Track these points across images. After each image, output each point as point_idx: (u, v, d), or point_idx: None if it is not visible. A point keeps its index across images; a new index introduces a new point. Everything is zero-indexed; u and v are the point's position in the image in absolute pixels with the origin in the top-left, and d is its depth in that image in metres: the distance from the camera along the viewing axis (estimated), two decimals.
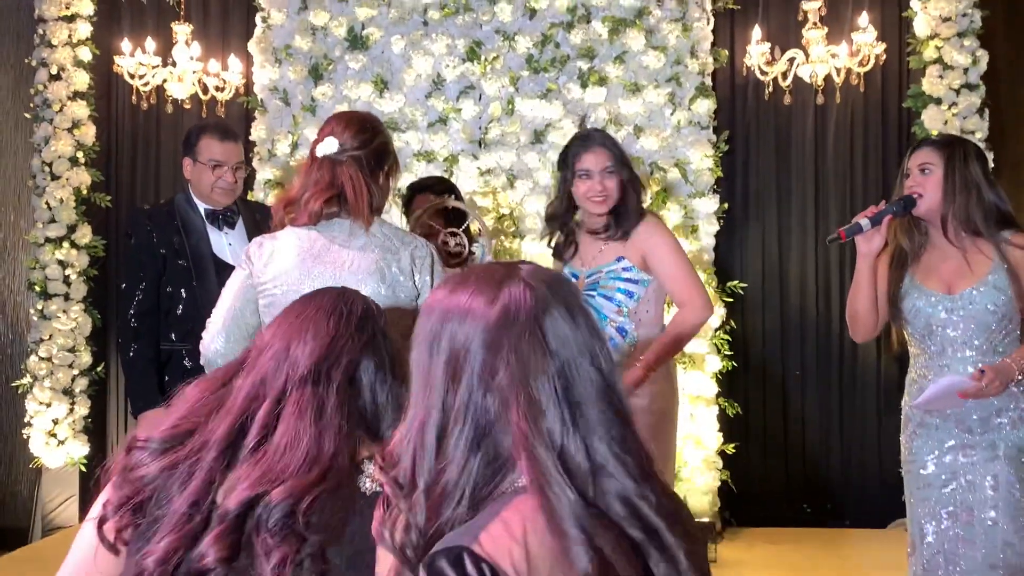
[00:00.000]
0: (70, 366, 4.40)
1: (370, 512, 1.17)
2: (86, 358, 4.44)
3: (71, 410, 4.40)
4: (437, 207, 3.12)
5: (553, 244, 2.88)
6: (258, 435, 1.26)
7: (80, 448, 4.43)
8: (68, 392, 4.40)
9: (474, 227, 3.29)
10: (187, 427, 1.29)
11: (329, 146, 2.07)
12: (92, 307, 4.47)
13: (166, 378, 2.77)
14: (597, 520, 0.97)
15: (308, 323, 1.33)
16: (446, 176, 4.17)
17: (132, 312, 2.77)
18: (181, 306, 2.79)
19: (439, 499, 1.01)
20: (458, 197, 3.22)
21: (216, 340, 2.03)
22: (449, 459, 1.01)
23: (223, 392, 1.32)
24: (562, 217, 2.79)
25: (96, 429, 4.54)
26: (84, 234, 4.44)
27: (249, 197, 4.07)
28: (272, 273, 2.03)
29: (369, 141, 2.08)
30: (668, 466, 2.80)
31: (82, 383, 4.42)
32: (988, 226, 2.30)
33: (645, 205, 2.84)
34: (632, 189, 2.69)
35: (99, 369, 4.50)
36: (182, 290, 2.78)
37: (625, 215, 2.67)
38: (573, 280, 2.75)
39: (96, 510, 1.30)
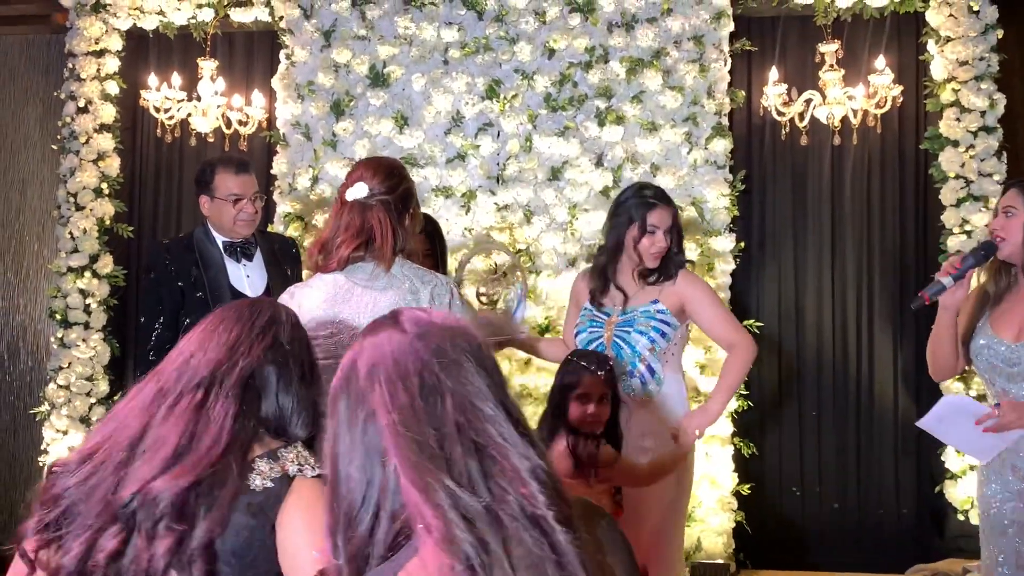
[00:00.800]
0: (88, 394, 4.43)
1: (258, 507, 1.29)
2: (103, 387, 4.47)
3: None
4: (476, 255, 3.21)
5: (591, 289, 2.95)
6: (150, 437, 1.32)
7: None
8: (85, 420, 4.42)
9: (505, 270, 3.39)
10: (102, 442, 1.35)
11: (359, 191, 2.17)
12: (111, 336, 4.51)
13: None
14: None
15: (213, 334, 1.41)
16: (463, 212, 4.22)
17: (151, 345, 2.80)
18: None
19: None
20: (438, 234, 3.22)
21: None
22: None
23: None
24: (605, 262, 2.90)
25: None
26: (106, 264, 4.50)
27: (269, 229, 4.12)
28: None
29: (396, 186, 2.19)
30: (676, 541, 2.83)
31: (99, 412, 4.45)
32: None
33: None
34: (679, 242, 2.85)
35: (116, 398, 4.51)
36: None
37: (670, 264, 2.84)
38: (605, 318, 2.85)
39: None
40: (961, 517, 3.98)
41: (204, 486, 1.28)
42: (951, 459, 3.99)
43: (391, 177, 2.19)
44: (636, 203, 2.84)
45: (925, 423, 2.33)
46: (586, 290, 2.97)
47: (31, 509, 1.33)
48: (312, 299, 2.16)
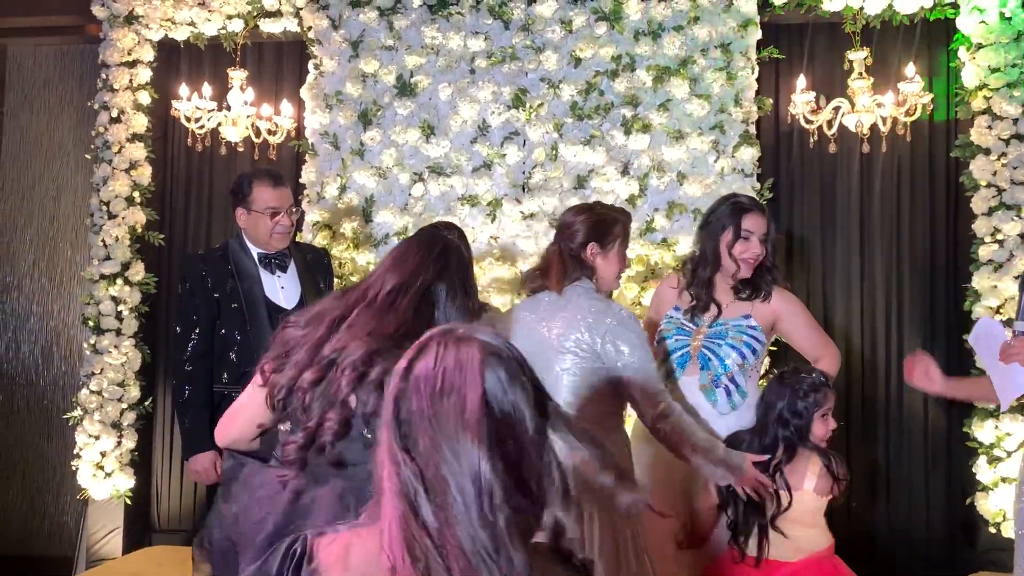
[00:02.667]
0: (119, 400, 4.49)
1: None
2: (135, 392, 4.53)
3: (119, 443, 4.49)
4: None
5: (684, 298, 2.97)
6: (350, 319, 1.84)
7: (126, 481, 4.51)
8: (116, 425, 4.49)
9: None
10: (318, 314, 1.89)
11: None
12: (142, 343, 4.57)
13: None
14: None
15: (400, 260, 1.92)
16: (488, 221, 4.23)
17: (186, 356, 2.83)
18: (235, 349, 2.84)
19: None
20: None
21: None
22: None
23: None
24: (698, 270, 2.91)
25: (142, 463, 4.62)
26: (137, 271, 4.56)
27: (297, 239, 4.16)
28: (511, 334, 2.42)
29: (574, 226, 2.51)
30: None
31: (130, 417, 4.52)
32: None
33: None
34: (770, 255, 2.86)
35: (147, 404, 4.59)
36: (236, 333, 2.83)
37: (764, 280, 2.85)
38: (694, 328, 2.88)
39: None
40: (993, 530, 3.93)
41: (385, 352, 1.73)
42: (982, 471, 3.94)
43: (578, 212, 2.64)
44: (729, 210, 2.88)
45: (971, 339, 2.35)
46: (672, 297, 2.98)
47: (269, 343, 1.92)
48: (506, 324, 2.52)
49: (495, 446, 1.06)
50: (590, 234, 2.51)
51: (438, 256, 1.92)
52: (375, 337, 1.77)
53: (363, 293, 1.89)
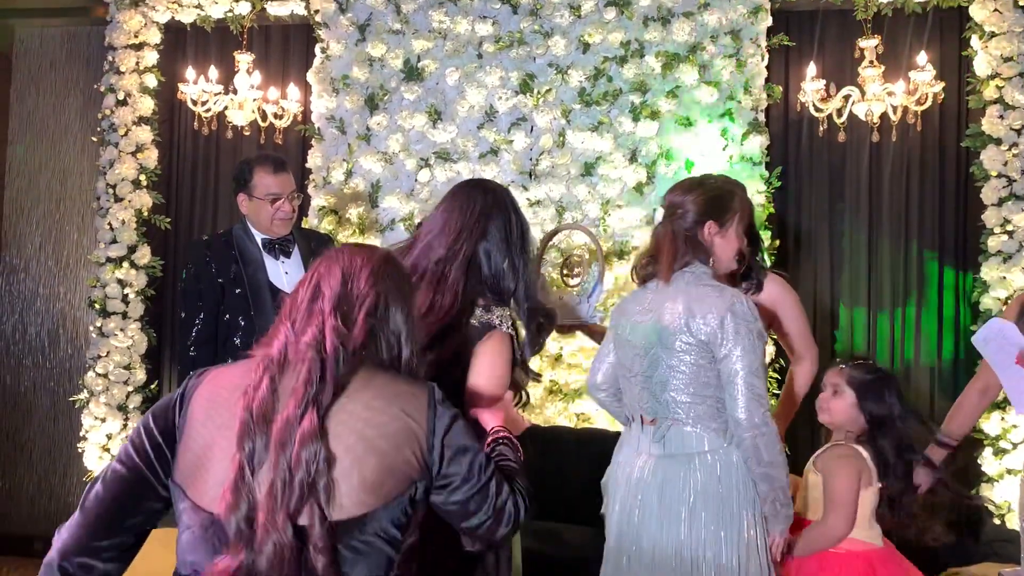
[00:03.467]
0: (125, 383, 4.51)
1: (474, 331, 1.96)
2: (140, 375, 4.55)
3: (125, 426, 4.51)
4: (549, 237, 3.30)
5: None
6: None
7: None
8: (122, 408, 4.51)
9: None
10: None
11: (658, 215, 2.39)
12: (148, 326, 4.58)
13: None
14: None
15: (442, 221, 2.06)
16: None
17: (191, 340, 2.83)
18: (239, 335, 2.84)
19: None
20: None
21: (595, 374, 2.49)
22: None
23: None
24: None
25: None
26: (143, 255, 4.56)
27: (303, 224, 4.15)
28: (620, 326, 2.40)
29: (686, 204, 2.36)
30: None
31: (136, 400, 4.53)
32: None
33: None
34: (756, 245, 2.70)
35: (152, 387, 4.60)
36: (240, 318, 2.84)
37: (753, 272, 2.70)
38: None
39: None
40: (997, 521, 3.92)
41: (447, 327, 1.95)
42: (988, 463, 3.93)
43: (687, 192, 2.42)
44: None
45: (975, 339, 2.28)
46: None
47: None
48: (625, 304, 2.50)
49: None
50: (706, 212, 2.28)
51: (478, 219, 2.03)
52: (435, 316, 1.95)
53: (412, 268, 1.99)
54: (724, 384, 2.18)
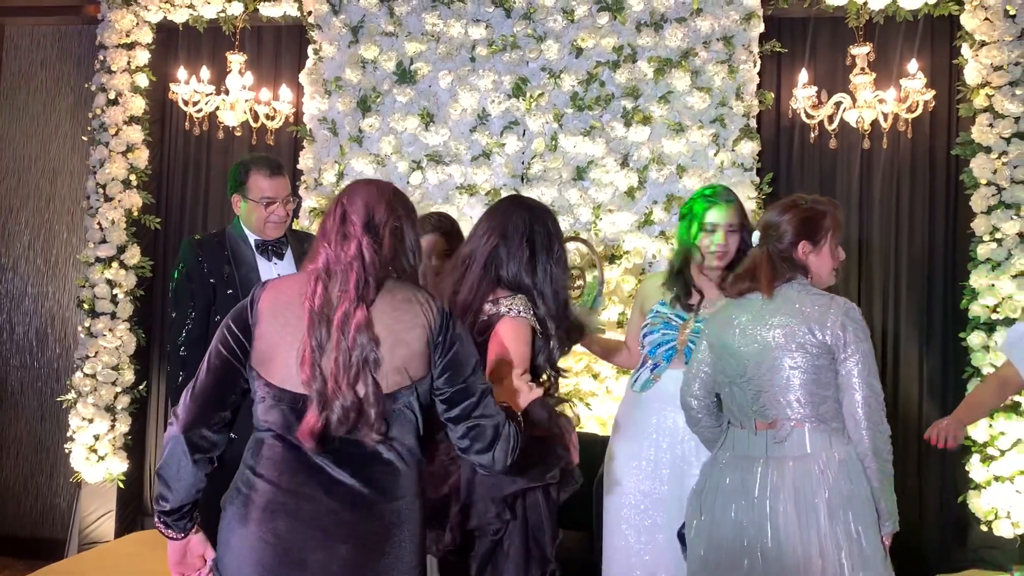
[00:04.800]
0: (113, 383, 4.49)
1: (483, 325, 2.25)
2: (129, 376, 4.52)
3: (112, 427, 4.49)
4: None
5: (673, 294, 2.95)
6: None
7: (119, 465, 4.50)
8: (110, 409, 4.48)
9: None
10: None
11: (755, 236, 2.49)
12: (137, 326, 4.56)
13: None
14: None
15: (471, 234, 2.41)
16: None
17: (181, 340, 2.81)
18: None
19: None
20: (456, 232, 3.11)
21: (690, 389, 2.54)
22: None
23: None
24: (678, 264, 2.92)
25: (136, 446, 4.62)
26: (133, 255, 4.54)
27: (295, 225, 4.14)
28: (719, 337, 2.47)
29: (782, 224, 2.44)
30: None
31: (124, 401, 4.51)
32: None
33: None
34: (747, 247, 2.75)
35: (141, 387, 4.58)
36: None
37: None
38: (680, 321, 2.86)
39: None
40: (984, 528, 3.94)
41: (467, 310, 2.27)
42: (975, 469, 3.95)
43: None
44: (698, 201, 2.87)
45: (1005, 347, 2.32)
46: (655, 293, 2.96)
47: None
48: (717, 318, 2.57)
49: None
50: (800, 233, 2.41)
51: (498, 223, 2.33)
52: (459, 300, 2.28)
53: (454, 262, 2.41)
54: (843, 385, 2.32)
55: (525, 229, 2.32)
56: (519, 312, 2.24)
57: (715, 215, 2.82)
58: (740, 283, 2.45)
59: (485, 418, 1.85)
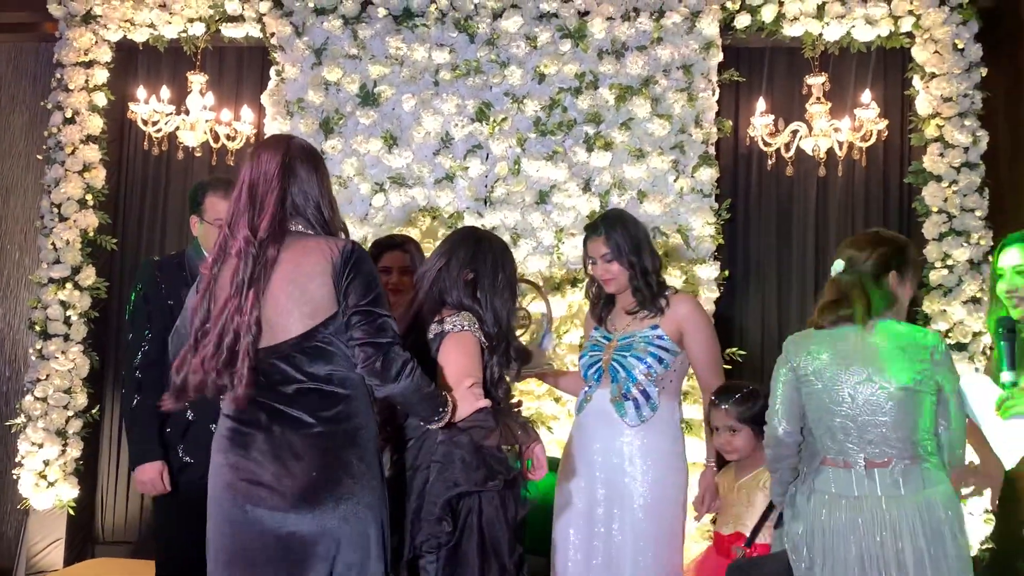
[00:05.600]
0: (65, 407, 4.38)
1: (432, 343, 2.30)
2: (81, 400, 4.42)
3: (63, 452, 4.37)
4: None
5: (596, 311, 2.99)
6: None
7: (70, 491, 4.39)
8: (61, 433, 4.37)
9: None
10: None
11: (837, 267, 2.42)
12: (91, 349, 4.46)
13: (168, 430, 2.75)
14: None
15: (430, 257, 2.47)
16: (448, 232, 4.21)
17: (137, 363, 2.75)
18: None
19: None
20: (418, 249, 3.18)
21: (780, 421, 2.40)
22: None
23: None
24: (596, 287, 2.96)
25: (87, 472, 4.51)
26: (88, 276, 4.46)
27: None
28: (811, 368, 2.36)
29: (869, 256, 2.38)
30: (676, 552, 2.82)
31: (76, 425, 4.40)
32: None
33: None
34: (640, 272, 2.81)
35: (94, 411, 4.48)
36: None
37: (645, 293, 2.82)
38: (606, 342, 2.87)
39: None
40: None
41: (411, 329, 2.33)
42: None
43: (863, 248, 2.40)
44: (586, 232, 2.93)
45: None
46: (593, 317, 3.01)
47: None
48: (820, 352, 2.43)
49: None
50: (888, 264, 2.37)
51: (447, 250, 2.43)
52: (405, 316, 2.37)
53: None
54: (944, 418, 2.31)
55: (470, 257, 2.40)
56: (464, 327, 2.30)
57: (590, 247, 2.87)
58: (831, 312, 2.37)
59: (388, 345, 2.01)
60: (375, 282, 2.06)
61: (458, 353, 2.27)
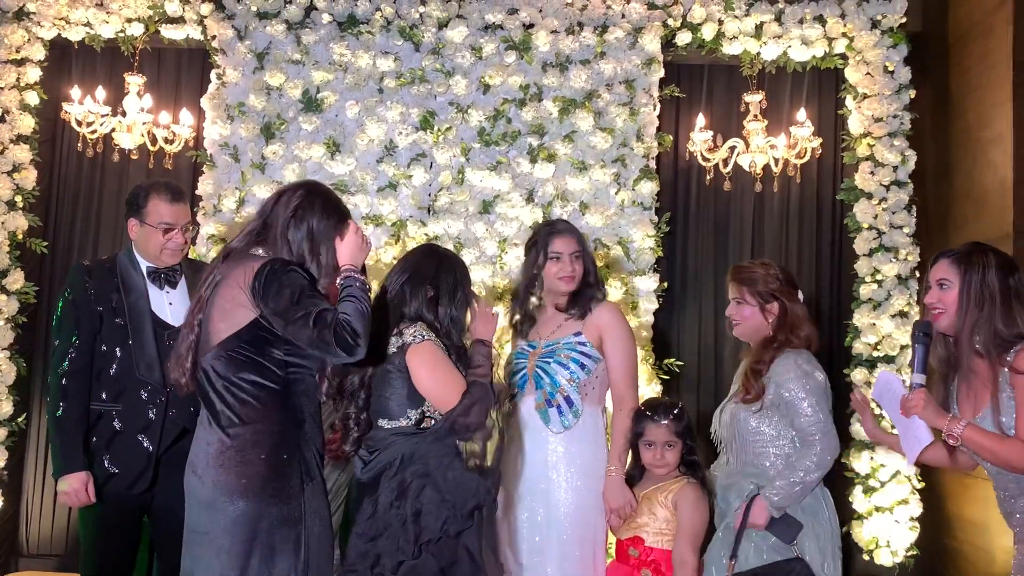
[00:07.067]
0: None
1: (395, 356, 2.47)
2: (7, 408, 4.27)
3: None
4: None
5: (513, 322, 3.04)
6: None
7: None
8: None
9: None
10: None
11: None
12: (18, 355, 4.32)
13: (93, 439, 2.68)
14: None
15: (391, 272, 2.63)
16: (392, 241, 4.20)
17: (63, 369, 2.67)
18: (115, 365, 2.69)
19: None
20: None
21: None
22: None
23: None
24: (524, 294, 3.00)
25: (12, 483, 4.35)
26: (16, 280, 4.32)
27: (191, 253, 4.02)
28: None
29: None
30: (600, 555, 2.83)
31: (1, 434, 4.25)
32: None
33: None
34: (592, 273, 2.94)
35: (20, 420, 4.33)
36: (117, 349, 2.70)
37: (585, 297, 2.90)
38: (531, 350, 2.90)
39: None
40: (867, 557, 4.11)
41: (376, 338, 2.39)
42: (858, 500, 4.13)
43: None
44: (543, 233, 2.97)
45: (874, 395, 2.35)
46: (519, 336, 3.04)
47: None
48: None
49: None
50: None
51: (409, 265, 2.57)
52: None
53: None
54: None
55: (431, 275, 2.53)
56: (423, 337, 2.42)
57: (561, 244, 2.91)
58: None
59: (320, 314, 2.10)
60: (288, 289, 2.13)
61: (434, 361, 2.42)
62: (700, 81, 4.60)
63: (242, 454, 2.11)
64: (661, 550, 2.74)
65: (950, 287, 2.19)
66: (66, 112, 4.24)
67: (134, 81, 4.32)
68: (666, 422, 2.81)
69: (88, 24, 4.45)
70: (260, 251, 2.24)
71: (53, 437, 2.69)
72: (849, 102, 4.36)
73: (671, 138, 4.45)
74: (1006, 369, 2.10)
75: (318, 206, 2.28)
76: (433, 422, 2.43)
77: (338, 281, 2.24)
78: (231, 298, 2.17)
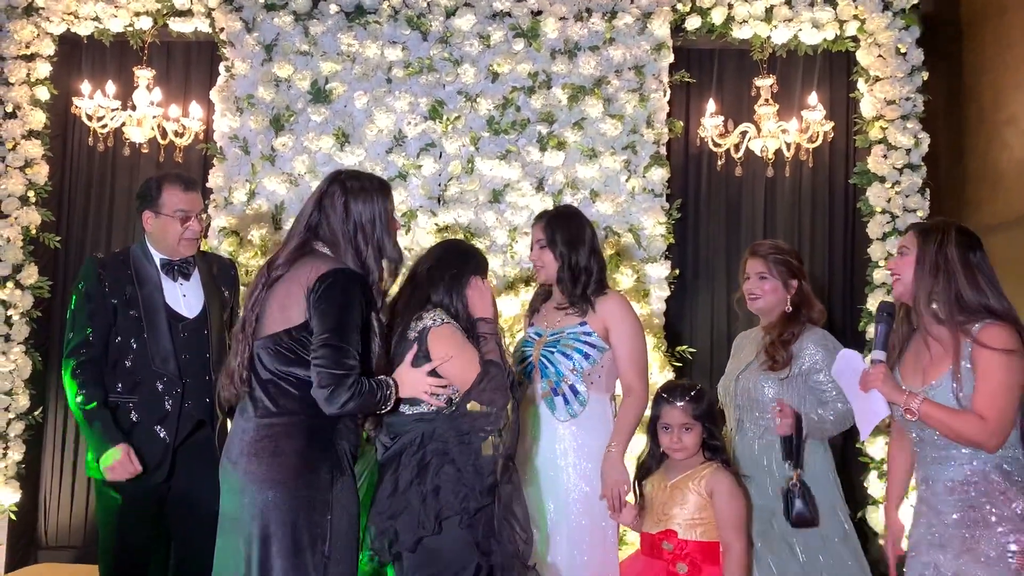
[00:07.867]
0: (6, 409, 4.26)
1: (415, 338, 2.45)
2: (24, 401, 4.31)
3: (4, 455, 4.26)
4: None
5: (532, 298, 3.09)
6: None
7: (11, 495, 4.27)
8: (3, 436, 4.26)
9: None
10: None
11: None
12: (33, 349, 4.35)
13: None
14: None
15: (425, 258, 2.66)
16: (403, 232, 4.20)
17: (77, 362, 2.69)
18: (130, 357, 2.70)
19: None
20: None
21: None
22: None
23: None
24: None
25: (29, 475, 4.39)
26: (30, 274, 4.35)
27: (204, 247, 4.04)
28: None
29: None
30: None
31: (18, 427, 4.29)
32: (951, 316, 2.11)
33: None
34: (569, 266, 2.83)
35: (36, 413, 4.37)
36: (132, 341, 2.71)
37: (577, 288, 2.84)
38: (537, 338, 2.89)
39: None
40: (882, 542, 4.09)
41: (400, 323, 2.51)
42: (873, 485, 4.11)
43: None
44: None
45: (833, 373, 2.40)
46: (529, 311, 3.07)
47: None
48: None
49: None
50: None
51: (439, 255, 2.60)
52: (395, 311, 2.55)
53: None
54: None
55: (459, 263, 2.59)
56: (444, 320, 2.45)
57: (533, 231, 2.93)
58: None
59: (332, 367, 2.14)
60: (335, 311, 2.18)
61: (456, 341, 2.44)
62: (710, 66, 4.57)
63: (276, 444, 2.14)
64: (696, 542, 2.67)
65: (907, 254, 2.22)
66: (76, 107, 4.25)
67: (143, 75, 4.33)
68: (682, 404, 2.73)
69: (97, 18, 4.46)
70: (327, 250, 2.29)
71: (84, 425, 2.69)
72: (861, 85, 4.32)
73: (681, 124, 4.42)
74: (969, 340, 2.09)
75: (357, 191, 2.32)
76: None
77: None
78: (292, 293, 2.22)
